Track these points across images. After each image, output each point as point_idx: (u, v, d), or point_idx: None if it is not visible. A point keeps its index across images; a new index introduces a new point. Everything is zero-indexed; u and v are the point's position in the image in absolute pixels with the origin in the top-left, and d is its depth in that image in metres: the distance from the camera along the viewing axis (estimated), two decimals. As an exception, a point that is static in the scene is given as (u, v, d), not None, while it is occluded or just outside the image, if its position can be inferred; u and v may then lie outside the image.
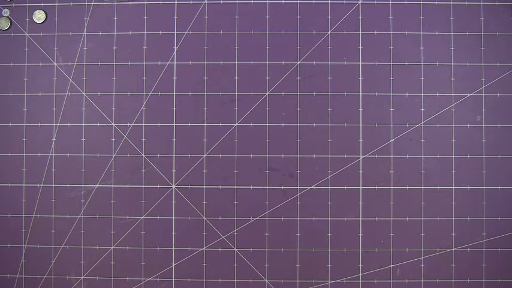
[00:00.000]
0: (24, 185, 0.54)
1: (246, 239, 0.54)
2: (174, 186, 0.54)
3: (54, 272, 0.54)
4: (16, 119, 0.55)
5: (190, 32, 0.54)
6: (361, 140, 0.53)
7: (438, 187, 0.53)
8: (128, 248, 0.54)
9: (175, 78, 0.54)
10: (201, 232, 0.54)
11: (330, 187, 0.53)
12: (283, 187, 0.54)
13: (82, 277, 0.54)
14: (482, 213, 0.53)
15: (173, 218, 0.54)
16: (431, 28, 0.54)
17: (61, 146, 0.54)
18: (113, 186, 0.54)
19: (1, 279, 0.54)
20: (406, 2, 0.54)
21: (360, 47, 0.54)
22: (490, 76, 0.54)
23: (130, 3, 0.55)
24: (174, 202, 0.54)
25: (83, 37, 0.55)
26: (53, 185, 0.54)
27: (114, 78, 0.54)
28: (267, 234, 0.53)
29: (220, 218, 0.54)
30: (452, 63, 0.54)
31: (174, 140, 0.54)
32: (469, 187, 0.53)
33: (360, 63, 0.54)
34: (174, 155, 0.54)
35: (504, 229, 0.53)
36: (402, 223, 0.53)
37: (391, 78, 0.54)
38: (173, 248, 0.54)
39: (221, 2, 0.55)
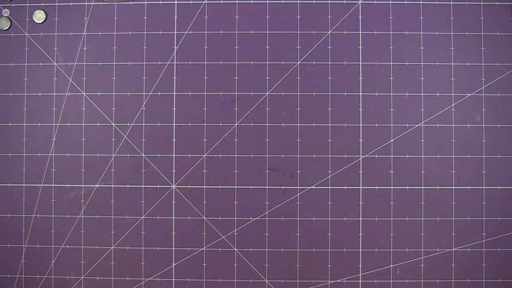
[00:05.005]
0: (24, 185, 0.54)
1: (246, 239, 0.53)
2: (174, 186, 0.54)
3: (54, 272, 0.54)
4: (16, 119, 0.54)
5: (190, 32, 0.54)
6: (361, 140, 0.53)
7: (438, 187, 0.53)
8: (128, 248, 0.54)
9: (175, 78, 0.54)
10: (201, 232, 0.54)
11: (330, 187, 0.53)
12: (283, 187, 0.54)
13: (82, 277, 0.54)
14: (482, 213, 0.53)
15: (173, 218, 0.54)
16: (431, 28, 0.54)
17: (61, 146, 0.54)
18: (113, 186, 0.54)
19: (1, 279, 0.54)
20: (406, 2, 0.54)
21: (360, 47, 0.54)
22: (490, 76, 0.54)
23: (131, 3, 0.55)
24: (174, 202, 0.54)
25: (83, 37, 0.55)
26: (53, 185, 0.54)
27: (114, 78, 0.54)
28: (267, 234, 0.53)
29: (220, 218, 0.54)
30: (452, 63, 0.54)
31: (174, 140, 0.54)
32: (469, 187, 0.53)
33: (360, 63, 0.54)
34: (174, 155, 0.54)
35: (504, 229, 0.53)
36: (402, 223, 0.53)
37: (391, 78, 0.54)
38: (173, 248, 0.54)
39: (221, 2, 0.55)
